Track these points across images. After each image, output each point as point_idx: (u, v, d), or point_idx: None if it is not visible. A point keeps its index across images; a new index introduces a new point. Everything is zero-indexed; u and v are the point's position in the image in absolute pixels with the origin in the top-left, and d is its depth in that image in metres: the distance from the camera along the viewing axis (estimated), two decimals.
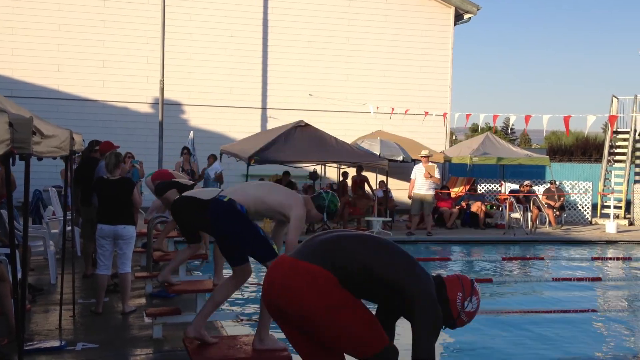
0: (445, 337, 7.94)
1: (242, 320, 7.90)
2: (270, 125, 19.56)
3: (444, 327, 3.63)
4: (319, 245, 3.56)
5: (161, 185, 9.20)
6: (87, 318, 7.11)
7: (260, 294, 3.99)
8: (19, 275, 5.02)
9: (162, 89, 17.72)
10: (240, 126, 19.45)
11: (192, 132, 17.33)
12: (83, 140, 8.80)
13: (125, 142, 14.17)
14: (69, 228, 9.05)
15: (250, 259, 4.93)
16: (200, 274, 9.45)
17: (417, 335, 3.40)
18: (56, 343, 6.03)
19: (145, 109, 19.48)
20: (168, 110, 18.46)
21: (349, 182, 17.52)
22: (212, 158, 15.79)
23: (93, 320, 7.05)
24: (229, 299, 7.67)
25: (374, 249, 3.54)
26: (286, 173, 17.09)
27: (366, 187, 17.52)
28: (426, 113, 19.35)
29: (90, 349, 5.98)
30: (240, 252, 4.88)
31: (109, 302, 7.69)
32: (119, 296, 7.51)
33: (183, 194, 7.34)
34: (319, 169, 18.42)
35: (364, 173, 17.60)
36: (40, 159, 5.51)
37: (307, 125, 15.54)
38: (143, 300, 8.02)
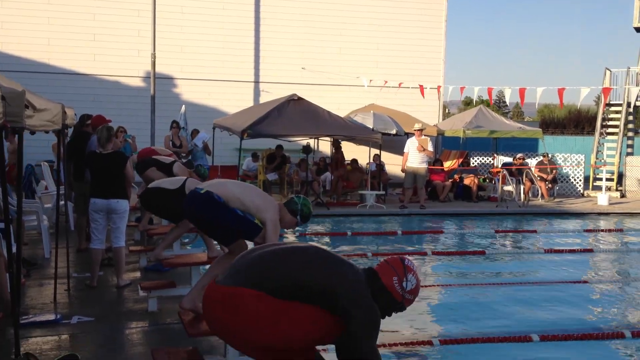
0: (437, 308, 8.02)
1: None
2: (263, 99, 19.49)
3: (395, 312, 3.64)
4: (245, 265, 3.52)
5: (141, 163, 9.20)
6: (82, 292, 7.13)
7: None
8: (13, 250, 5.02)
9: (153, 63, 17.60)
10: (233, 100, 19.38)
11: (183, 105, 17.26)
12: (75, 115, 8.76)
13: (117, 116, 14.09)
14: (62, 202, 9.03)
15: None
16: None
17: (357, 343, 3.39)
18: (51, 316, 6.06)
19: (137, 82, 19.35)
20: (160, 84, 18.36)
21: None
22: (196, 131, 15.74)
23: (88, 294, 7.07)
24: None
25: (298, 261, 3.49)
26: (279, 147, 17.07)
27: (359, 162, 17.59)
28: (421, 87, 19.28)
29: (85, 322, 6.01)
30: (228, 235, 4.93)
31: (104, 276, 7.71)
32: (114, 270, 7.53)
33: (148, 186, 7.41)
34: (312, 142, 18.38)
35: (352, 148, 17.60)
36: (32, 133, 5.49)
37: (300, 99, 15.50)
38: (138, 274, 8.04)
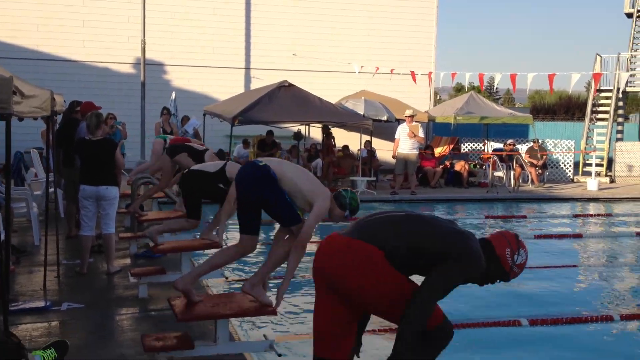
0: None
1: (227, 279, 7.96)
2: (254, 85, 19.43)
3: (498, 281, 3.87)
4: (370, 225, 3.79)
5: (174, 147, 8.98)
6: (72, 279, 7.12)
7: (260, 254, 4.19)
8: (2, 237, 5.01)
9: (143, 49, 17.46)
10: (224, 86, 19.31)
11: (174, 92, 17.17)
12: (64, 101, 8.71)
13: (107, 102, 14.02)
14: (51, 189, 9.00)
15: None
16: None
17: (439, 270, 3.60)
18: (41, 303, 6.05)
19: (127, 69, 19.25)
20: (150, 70, 18.24)
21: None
22: (186, 118, 15.63)
23: (78, 280, 7.07)
24: None
25: (420, 226, 3.76)
26: (269, 132, 17.00)
27: (350, 148, 17.60)
28: (412, 73, 19.25)
29: (75, 309, 6.01)
30: (257, 220, 4.85)
31: (94, 263, 7.70)
32: (104, 257, 7.52)
33: (191, 168, 7.34)
34: (303, 129, 18.37)
35: (343, 135, 17.58)
36: (21, 119, 5.47)
37: (291, 85, 15.46)
38: (128, 261, 8.03)
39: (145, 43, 17.44)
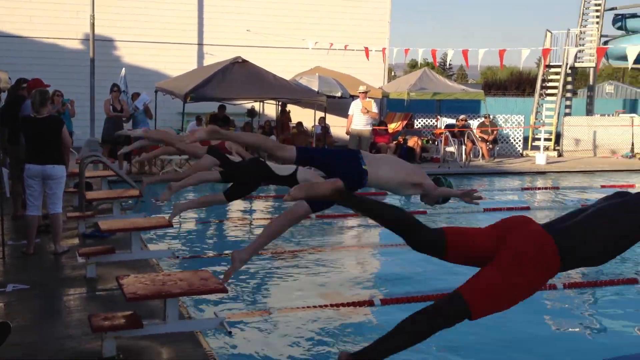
0: (381, 270, 8.14)
1: (178, 257, 7.93)
2: (207, 62, 19.20)
3: None
4: (568, 222, 3.54)
5: (216, 150, 8.35)
6: (18, 259, 7.00)
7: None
8: None
9: (92, 25, 17.07)
10: (176, 63, 19.03)
11: (124, 69, 16.85)
12: (9, 79, 8.50)
13: (55, 80, 13.66)
14: None
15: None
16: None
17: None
18: None
19: (76, 45, 18.82)
20: (100, 46, 17.86)
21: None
22: (136, 95, 15.29)
23: (24, 261, 6.95)
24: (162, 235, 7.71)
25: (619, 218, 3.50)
26: (222, 107, 16.80)
27: (305, 124, 17.60)
28: (366, 49, 19.27)
29: (21, 290, 5.92)
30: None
31: (41, 243, 7.57)
32: (51, 237, 7.41)
33: (265, 161, 6.95)
34: (257, 105, 18.28)
35: (297, 111, 17.57)
36: None
37: (244, 61, 15.34)
38: (76, 241, 7.92)
39: (94, 18, 17.05)
